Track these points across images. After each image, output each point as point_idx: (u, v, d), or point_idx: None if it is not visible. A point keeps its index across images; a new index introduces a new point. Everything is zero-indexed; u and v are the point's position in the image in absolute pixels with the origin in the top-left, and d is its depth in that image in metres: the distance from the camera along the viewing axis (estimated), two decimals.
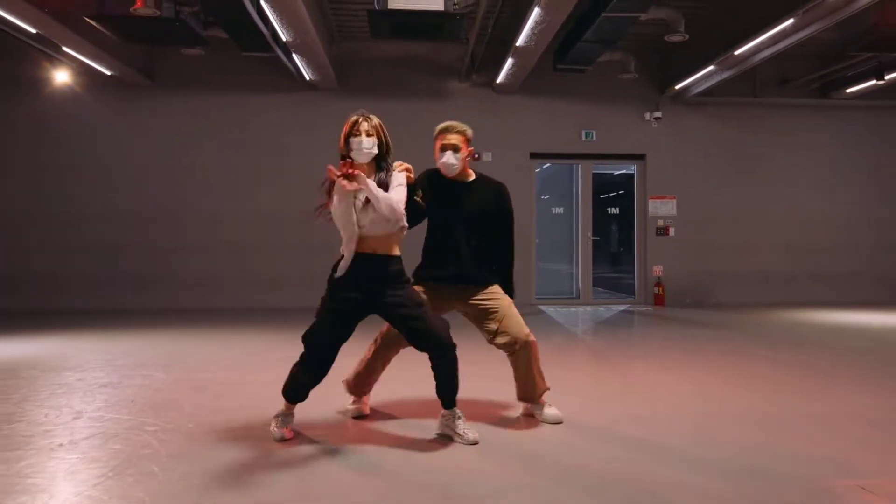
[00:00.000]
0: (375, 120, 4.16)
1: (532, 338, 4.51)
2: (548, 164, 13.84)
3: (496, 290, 4.62)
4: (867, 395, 5.45)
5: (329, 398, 4.77)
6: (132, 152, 12.37)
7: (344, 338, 4.14)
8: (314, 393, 4.25)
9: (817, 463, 3.75)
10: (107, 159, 12.33)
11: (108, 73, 11.49)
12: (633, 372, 6.59)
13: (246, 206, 12.44)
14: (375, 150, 4.12)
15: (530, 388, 4.62)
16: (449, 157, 4.57)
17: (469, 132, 4.65)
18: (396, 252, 4.18)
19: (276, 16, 8.89)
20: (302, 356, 4.17)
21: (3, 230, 12.13)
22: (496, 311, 4.52)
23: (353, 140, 4.08)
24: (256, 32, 9.55)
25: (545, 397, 4.67)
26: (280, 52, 10.50)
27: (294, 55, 10.61)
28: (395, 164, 4.23)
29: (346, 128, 4.11)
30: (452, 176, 4.65)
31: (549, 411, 4.61)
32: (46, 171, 12.20)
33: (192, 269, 12.35)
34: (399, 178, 4.16)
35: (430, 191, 4.60)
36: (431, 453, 3.95)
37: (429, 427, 4.39)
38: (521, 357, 4.52)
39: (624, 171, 16.38)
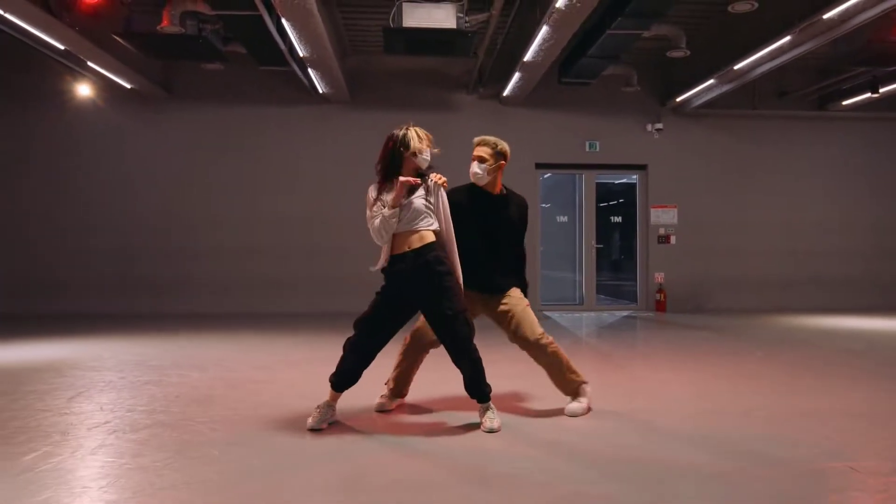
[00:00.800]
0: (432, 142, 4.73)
1: (545, 339, 4.89)
2: (548, 175, 14.22)
3: (514, 293, 5.03)
4: (859, 392, 5.84)
5: (362, 394, 5.13)
6: (150, 162, 12.80)
7: (389, 328, 4.56)
8: (351, 390, 4.63)
9: (811, 449, 4.14)
10: (125, 169, 12.76)
11: (128, 86, 11.90)
12: (639, 372, 6.98)
13: (260, 214, 12.84)
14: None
15: (562, 385, 5.04)
16: (474, 167, 4.96)
17: (501, 146, 5.02)
18: (431, 238, 4.55)
19: (296, 33, 9.28)
20: (350, 340, 4.57)
21: (26, 235, 12.57)
22: (513, 316, 4.92)
23: (424, 153, 4.60)
24: (274, 48, 9.98)
25: (585, 389, 5.08)
26: (296, 67, 10.93)
27: (309, 69, 11.01)
28: (433, 175, 4.65)
29: (421, 143, 4.60)
30: (483, 187, 5.02)
31: (572, 405, 5.00)
32: (67, 179, 12.63)
33: (207, 275, 12.75)
34: (445, 198, 4.66)
35: (466, 202, 4.99)
36: (463, 438, 4.34)
37: (458, 418, 4.78)
38: (540, 357, 4.95)
39: (624, 181, 16.75)
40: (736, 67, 10.74)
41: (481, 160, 4.95)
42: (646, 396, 5.74)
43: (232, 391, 5.78)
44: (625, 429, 4.63)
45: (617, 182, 18.47)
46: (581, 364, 7.62)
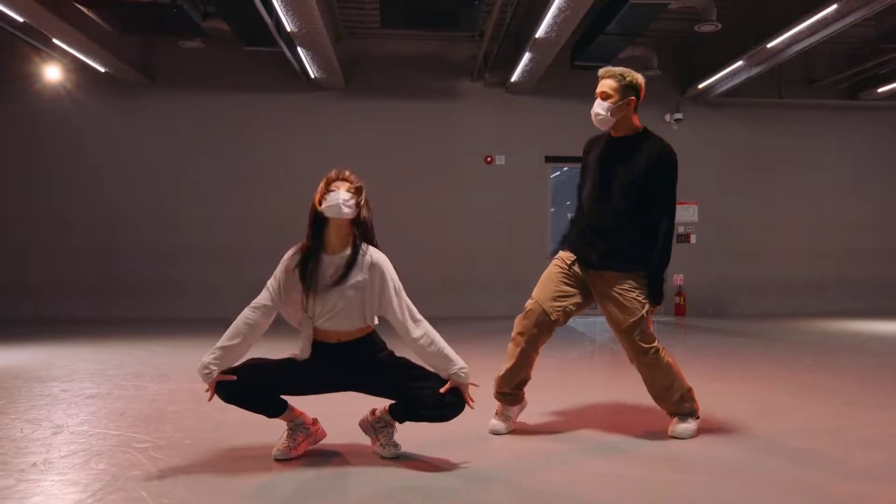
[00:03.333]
0: (357, 181, 3.48)
1: (642, 360, 3.91)
2: (557, 173, 13.19)
3: (625, 287, 3.89)
4: None
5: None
6: (128, 154, 11.76)
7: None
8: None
9: None
10: (101, 162, 11.72)
11: (102, 69, 10.89)
12: None
13: (248, 211, 11.80)
14: (352, 212, 3.38)
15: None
16: (595, 106, 3.94)
17: (630, 77, 3.93)
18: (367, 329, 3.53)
19: (282, 2, 8.29)
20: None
21: None
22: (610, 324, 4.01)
23: (330, 195, 3.39)
24: (259, 22, 8.92)
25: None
26: (284, 47, 9.88)
27: (299, 48, 10.01)
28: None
29: (321, 185, 3.45)
30: (607, 130, 4.05)
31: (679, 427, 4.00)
32: (37, 174, 11.56)
33: (191, 275, 11.71)
34: (390, 275, 3.47)
35: (590, 153, 4.13)
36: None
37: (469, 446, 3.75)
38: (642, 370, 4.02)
39: None
40: (769, 45, 9.74)
41: (604, 96, 3.91)
42: (707, 415, 4.69)
43: (193, 407, 4.74)
44: (676, 453, 3.60)
45: None
46: (612, 375, 6.68)
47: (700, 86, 11.92)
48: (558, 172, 13.22)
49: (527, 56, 10.42)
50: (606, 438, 3.96)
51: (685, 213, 12.72)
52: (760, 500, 2.94)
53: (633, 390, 4.89)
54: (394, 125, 11.96)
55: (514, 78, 11.56)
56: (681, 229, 12.73)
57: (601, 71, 3.99)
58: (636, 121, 4.00)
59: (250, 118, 11.99)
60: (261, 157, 11.96)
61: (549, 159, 12.55)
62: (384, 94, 12.06)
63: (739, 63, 10.60)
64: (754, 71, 10.83)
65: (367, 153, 11.89)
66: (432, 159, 12.10)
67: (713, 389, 5.52)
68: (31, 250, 11.55)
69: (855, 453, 3.64)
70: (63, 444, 3.74)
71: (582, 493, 3.03)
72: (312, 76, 11.33)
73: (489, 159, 12.28)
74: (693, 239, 12.73)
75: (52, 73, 10.83)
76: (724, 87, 11.77)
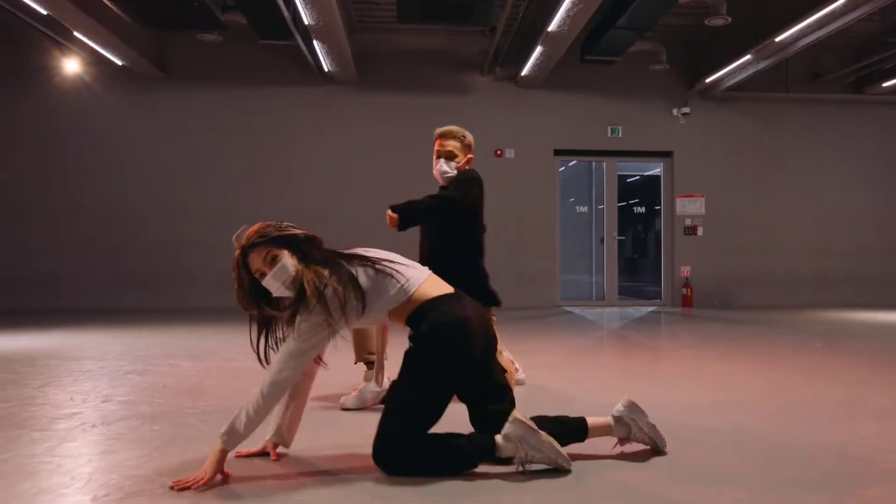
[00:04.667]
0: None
1: None
2: (564, 167, 13.35)
3: None
4: None
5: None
6: (143, 147, 11.93)
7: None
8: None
9: None
10: (117, 154, 11.89)
11: (119, 63, 11.07)
12: (691, 363, 6.11)
13: (261, 203, 11.93)
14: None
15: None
16: (442, 165, 4.41)
17: (469, 137, 4.43)
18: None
19: None
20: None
21: (11, 227, 11.67)
22: None
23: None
24: (277, 15, 9.11)
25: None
26: (299, 39, 10.05)
27: (315, 42, 10.18)
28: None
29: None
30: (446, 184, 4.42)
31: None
32: (54, 166, 11.75)
33: (205, 267, 11.83)
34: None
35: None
36: None
37: None
38: None
39: (638, 177, 15.92)
40: (777, 39, 9.92)
41: (450, 156, 4.39)
42: (710, 388, 4.87)
43: (231, 381, 4.91)
44: (705, 425, 3.78)
45: (630, 180, 17.69)
46: (625, 355, 6.87)
47: (708, 80, 12.08)
48: (564, 168, 13.34)
49: (538, 50, 10.59)
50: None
51: (692, 206, 12.90)
52: (777, 465, 3.11)
53: (644, 373, 5.05)
54: (404, 119, 12.10)
55: (524, 72, 11.73)
56: (688, 222, 12.92)
57: (440, 131, 4.44)
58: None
59: (262, 111, 12.15)
60: (272, 149, 12.12)
61: (558, 153, 12.72)
62: (395, 87, 12.23)
63: (747, 57, 10.77)
64: (762, 65, 10.99)
65: (377, 146, 12.08)
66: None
67: (726, 370, 5.70)
68: (48, 241, 11.70)
69: (868, 420, 3.81)
70: (115, 410, 3.92)
71: (587, 465, 3.20)
72: (326, 69, 11.49)
73: (499, 153, 12.44)
74: (700, 231, 12.90)
75: (71, 65, 11.02)
76: (731, 82, 11.92)
